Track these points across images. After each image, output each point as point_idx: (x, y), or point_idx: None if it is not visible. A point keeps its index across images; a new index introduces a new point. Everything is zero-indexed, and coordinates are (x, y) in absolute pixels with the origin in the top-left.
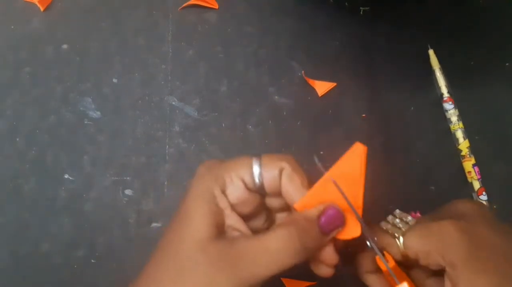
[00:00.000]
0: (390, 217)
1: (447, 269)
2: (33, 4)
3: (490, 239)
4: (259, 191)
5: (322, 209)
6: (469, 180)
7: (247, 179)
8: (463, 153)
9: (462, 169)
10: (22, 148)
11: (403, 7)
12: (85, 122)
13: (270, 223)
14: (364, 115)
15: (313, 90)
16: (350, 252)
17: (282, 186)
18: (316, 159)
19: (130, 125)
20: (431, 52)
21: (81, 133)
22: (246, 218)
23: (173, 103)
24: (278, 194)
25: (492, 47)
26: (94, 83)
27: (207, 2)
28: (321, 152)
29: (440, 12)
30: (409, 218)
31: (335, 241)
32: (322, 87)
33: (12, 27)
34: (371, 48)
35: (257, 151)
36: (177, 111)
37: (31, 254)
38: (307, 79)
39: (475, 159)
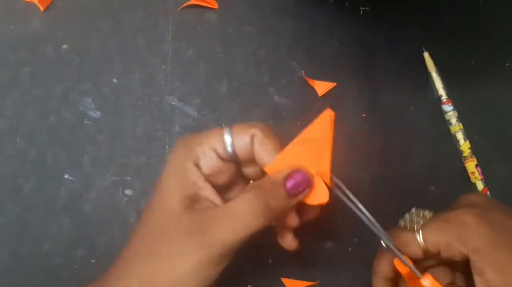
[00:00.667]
0: (406, 215)
1: (471, 256)
2: (33, 4)
3: (507, 223)
4: (233, 160)
5: (289, 172)
6: (473, 181)
7: (219, 149)
8: (465, 154)
9: (462, 168)
10: (22, 148)
11: (403, 7)
12: (85, 122)
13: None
14: (364, 115)
15: (313, 90)
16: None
17: (255, 151)
18: (334, 178)
19: (130, 125)
20: (426, 55)
21: (81, 133)
22: (223, 188)
23: (173, 103)
24: (252, 161)
25: (492, 47)
26: (94, 83)
27: (207, 2)
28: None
29: (440, 12)
30: (426, 212)
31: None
32: (322, 87)
33: (12, 27)
34: (371, 48)
35: None
36: (177, 111)
37: (31, 254)
38: (307, 79)
39: (477, 160)
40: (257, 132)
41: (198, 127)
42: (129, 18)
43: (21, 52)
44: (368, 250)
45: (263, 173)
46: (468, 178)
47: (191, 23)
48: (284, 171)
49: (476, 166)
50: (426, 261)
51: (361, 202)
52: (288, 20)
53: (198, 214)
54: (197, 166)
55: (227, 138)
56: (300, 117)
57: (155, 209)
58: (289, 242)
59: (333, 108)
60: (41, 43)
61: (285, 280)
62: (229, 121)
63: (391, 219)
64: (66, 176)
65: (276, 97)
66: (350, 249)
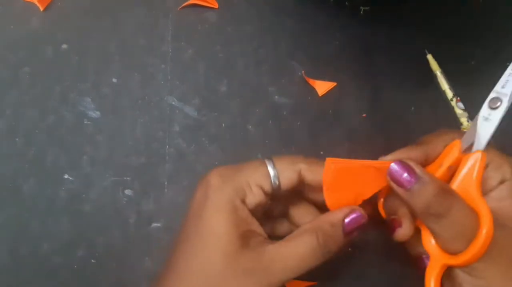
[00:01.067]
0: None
1: (507, 183)
2: (33, 4)
3: None
4: (275, 192)
5: (346, 211)
6: None
7: (266, 186)
8: None
9: None
10: (21, 148)
11: (404, 7)
12: (85, 122)
13: (290, 226)
14: (364, 115)
15: (313, 90)
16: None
17: (308, 180)
18: None
19: (130, 125)
20: (429, 57)
21: (80, 133)
22: (265, 222)
23: (173, 103)
24: (293, 190)
25: (492, 47)
26: (93, 83)
27: (207, 2)
28: (321, 152)
29: (440, 12)
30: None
31: None
32: (322, 87)
33: (12, 26)
34: (372, 48)
35: (257, 150)
36: (177, 111)
37: (31, 254)
38: (307, 79)
39: None
40: (303, 166)
41: (198, 127)
42: (129, 17)
43: (20, 51)
44: (368, 250)
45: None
46: None
47: (191, 23)
48: (342, 210)
49: None
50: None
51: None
52: (288, 20)
53: (255, 252)
54: (244, 203)
55: (273, 174)
56: (300, 117)
57: (203, 252)
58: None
59: (333, 108)
60: (40, 42)
61: None
62: (229, 121)
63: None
64: (66, 176)
65: (276, 97)
66: (349, 249)
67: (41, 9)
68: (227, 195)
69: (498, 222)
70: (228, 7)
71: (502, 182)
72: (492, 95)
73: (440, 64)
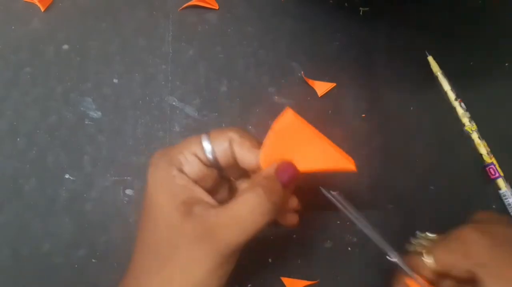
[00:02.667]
0: (413, 240)
1: (475, 271)
2: (34, 5)
3: (508, 234)
4: (215, 166)
5: (277, 164)
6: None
7: (201, 154)
8: (484, 157)
9: (462, 168)
10: (22, 148)
11: (403, 7)
12: (86, 122)
13: (233, 194)
14: (364, 115)
15: (313, 90)
16: None
17: (235, 153)
18: (322, 190)
19: (131, 125)
20: (430, 58)
21: (81, 133)
22: (210, 193)
23: (173, 103)
24: (233, 165)
25: (492, 47)
26: (94, 83)
27: (207, 3)
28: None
29: (439, 12)
30: (430, 235)
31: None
32: (322, 87)
33: (13, 27)
34: (371, 48)
35: None
36: (177, 111)
37: (32, 254)
38: (306, 79)
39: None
40: (234, 135)
41: (198, 127)
42: (130, 18)
43: (21, 52)
44: (368, 250)
45: (245, 173)
46: (468, 177)
47: (191, 24)
48: (271, 165)
49: (486, 166)
50: (444, 281)
51: (361, 202)
52: (288, 20)
53: (199, 219)
54: (182, 171)
55: (206, 145)
56: (300, 117)
57: (151, 223)
58: (290, 219)
59: (333, 108)
60: (41, 43)
61: (285, 280)
62: (229, 121)
63: (391, 219)
64: (67, 176)
65: (276, 97)
66: (349, 248)
67: (42, 9)
68: (162, 167)
69: None
70: (228, 8)
71: (471, 272)
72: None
73: (440, 64)
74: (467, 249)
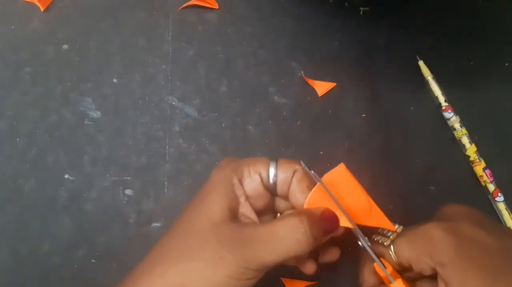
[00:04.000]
0: (379, 229)
1: (438, 269)
2: (33, 4)
3: (478, 237)
4: (271, 191)
5: (323, 209)
6: (483, 183)
7: (264, 176)
8: (471, 159)
9: (462, 168)
10: (22, 148)
11: (403, 8)
12: (85, 122)
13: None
14: (364, 115)
15: (313, 90)
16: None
17: (292, 186)
18: (303, 164)
19: (130, 125)
20: (421, 63)
21: (81, 133)
22: (257, 213)
23: (173, 103)
24: (287, 197)
25: (491, 47)
26: (94, 83)
27: (207, 2)
28: (321, 152)
29: (440, 12)
30: (397, 226)
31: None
32: (322, 87)
33: (12, 27)
34: (371, 48)
35: (257, 150)
36: (177, 111)
37: (31, 254)
38: (306, 79)
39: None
40: (299, 169)
41: (198, 127)
42: (129, 18)
43: (21, 52)
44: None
45: (291, 208)
46: (469, 177)
47: (191, 23)
48: (319, 208)
49: (484, 169)
50: (407, 273)
51: None
52: (288, 20)
53: (238, 227)
54: (241, 183)
55: (272, 170)
56: (300, 117)
57: (194, 215)
58: (309, 267)
59: (333, 108)
60: (41, 43)
61: (285, 280)
62: (229, 121)
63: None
64: (66, 176)
65: (276, 97)
66: (349, 249)
67: (42, 9)
68: (226, 172)
69: None
70: (228, 8)
71: (434, 268)
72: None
73: (439, 64)
74: (430, 246)
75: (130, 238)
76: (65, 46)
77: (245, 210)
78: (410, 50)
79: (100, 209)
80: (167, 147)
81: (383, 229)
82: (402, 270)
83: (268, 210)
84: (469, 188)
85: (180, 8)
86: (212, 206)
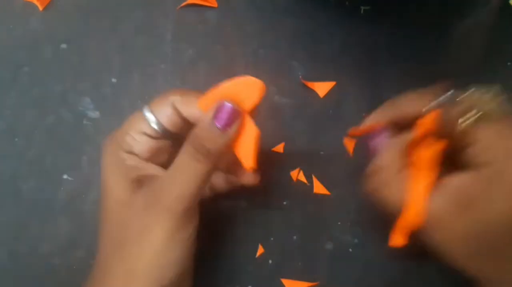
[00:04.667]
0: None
1: (494, 166)
2: (32, 4)
3: None
4: (167, 135)
5: (216, 106)
6: None
7: (148, 130)
8: None
9: None
10: (20, 148)
11: (404, 6)
12: (84, 122)
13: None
14: (364, 114)
15: (313, 90)
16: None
17: (184, 114)
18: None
19: None
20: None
21: (80, 133)
22: (168, 165)
23: None
24: (185, 126)
25: (493, 46)
26: (93, 83)
27: (206, 1)
28: (321, 152)
29: (441, 11)
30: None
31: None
32: (322, 88)
33: (11, 26)
34: (372, 47)
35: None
36: None
37: (30, 255)
38: (306, 82)
39: None
40: (175, 97)
41: None
42: (128, 17)
43: (19, 51)
44: (368, 251)
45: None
46: None
47: (191, 23)
48: (211, 108)
49: None
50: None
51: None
52: (288, 19)
53: (147, 189)
54: (132, 153)
55: (150, 117)
56: (301, 117)
57: (105, 207)
58: (248, 178)
59: (333, 107)
60: (39, 42)
61: (285, 281)
62: None
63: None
64: (65, 176)
65: (276, 97)
66: (350, 250)
67: (40, 9)
68: (111, 152)
69: (462, 202)
70: (228, 7)
71: (487, 163)
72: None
73: (440, 63)
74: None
75: None
76: (63, 46)
77: (152, 170)
78: (410, 49)
79: (99, 210)
80: None
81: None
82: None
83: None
84: None
85: (179, 7)
86: (115, 190)
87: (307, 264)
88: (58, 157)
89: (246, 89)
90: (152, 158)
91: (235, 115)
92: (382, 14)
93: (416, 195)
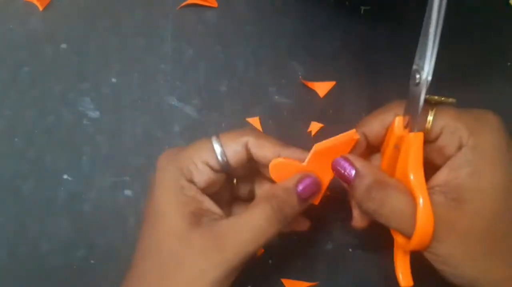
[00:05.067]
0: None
1: (466, 149)
2: (32, 3)
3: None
4: (225, 169)
5: (299, 177)
6: None
7: (212, 162)
8: None
9: None
10: (20, 148)
11: (404, 6)
12: (84, 122)
13: (234, 195)
14: (365, 114)
15: (313, 90)
16: None
17: (255, 156)
18: None
19: (130, 125)
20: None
21: (80, 133)
22: (214, 196)
23: (173, 103)
24: (244, 165)
25: (493, 46)
26: (93, 82)
27: (206, 1)
28: None
29: None
30: (450, 99)
31: None
32: (322, 88)
33: (11, 26)
34: (372, 47)
35: None
36: (177, 111)
37: (30, 255)
38: (306, 82)
39: None
40: (250, 139)
41: (198, 127)
42: (128, 17)
43: (19, 51)
44: (369, 251)
45: (252, 173)
46: None
47: (191, 23)
48: (294, 177)
49: None
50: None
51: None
52: (288, 20)
53: (208, 229)
54: (192, 182)
55: (218, 149)
56: (301, 117)
57: (156, 233)
58: (300, 225)
59: (333, 107)
60: (39, 42)
61: (285, 281)
62: (229, 121)
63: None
64: (65, 176)
65: (276, 97)
66: (350, 250)
67: (40, 8)
68: (171, 175)
69: (453, 195)
70: (228, 7)
71: (459, 148)
72: (413, 67)
73: (440, 63)
74: (478, 125)
75: (130, 239)
76: (63, 46)
77: (208, 205)
78: (411, 49)
79: (99, 209)
80: (166, 147)
81: (440, 96)
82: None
83: (228, 192)
84: None
85: (179, 7)
86: (172, 219)
87: (307, 264)
88: (58, 157)
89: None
90: (206, 189)
91: (316, 188)
92: (382, 14)
93: (421, 200)
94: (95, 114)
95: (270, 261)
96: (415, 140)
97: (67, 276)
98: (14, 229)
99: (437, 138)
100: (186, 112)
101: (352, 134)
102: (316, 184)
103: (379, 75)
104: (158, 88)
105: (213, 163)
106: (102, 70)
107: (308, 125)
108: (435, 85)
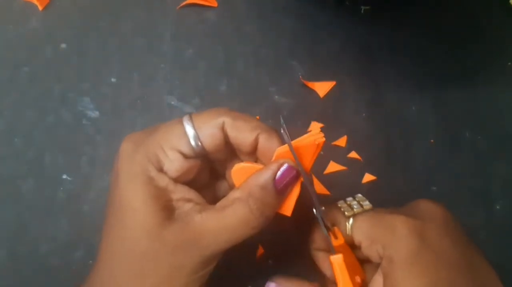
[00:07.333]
0: (349, 199)
1: (383, 262)
2: (32, 4)
3: (441, 245)
4: (199, 154)
5: (275, 168)
6: None
7: (184, 148)
8: None
9: (464, 169)
10: (20, 148)
11: (404, 6)
12: (84, 122)
13: (214, 177)
14: (364, 114)
15: (313, 90)
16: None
17: (232, 139)
18: (282, 121)
19: (129, 125)
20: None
21: (79, 133)
22: (190, 183)
23: (172, 102)
24: (221, 147)
25: (493, 47)
26: (92, 82)
27: (206, 1)
28: (321, 152)
29: (440, 12)
30: (366, 203)
31: None
32: (322, 88)
33: (11, 26)
34: (372, 47)
35: None
36: (177, 111)
37: (29, 255)
38: (306, 82)
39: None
40: (226, 120)
41: None
42: (128, 17)
43: (19, 51)
44: None
45: (231, 154)
46: (470, 177)
47: (191, 22)
48: (271, 168)
49: None
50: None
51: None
52: (288, 18)
53: (182, 225)
54: (162, 171)
55: (190, 131)
56: (300, 117)
57: (123, 230)
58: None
59: (333, 107)
60: (39, 42)
61: None
62: None
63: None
64: (64, 176)
65: (276, 97)
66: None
67: (40, 8)
68: (138, 164)
69: None
70: (228, 7)
71: (381, 258)
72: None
73: (440, 63)
74: (388, 239)
75: None
76: (63, 46)
77: (181, 194)
78: (410, 49)
79: (98, 210)
80: None
81: (352, 199)
82: (351, 247)
83: (202, 169)
84: (471, 188)
85: (179, 7)
86: (140, 215)
87: (307, 264)
88: (57, 157)
89: (303, 148)
90: (179, 178)
91: (295, 179)
92: (382, 14)
93: None
94: (94, 114)
95: (270, 262)
96: (336, 262)
97: (67, 276)
98: (13, 229)
99: (360, 246)
100: (186, 111)
101: (316, 136)
102: (292, 170)
103: (379, 75)
104: (158, 88)
105: (185, 149)
106: (102, 70)
107: (308, 125)
108: (436, 85)
